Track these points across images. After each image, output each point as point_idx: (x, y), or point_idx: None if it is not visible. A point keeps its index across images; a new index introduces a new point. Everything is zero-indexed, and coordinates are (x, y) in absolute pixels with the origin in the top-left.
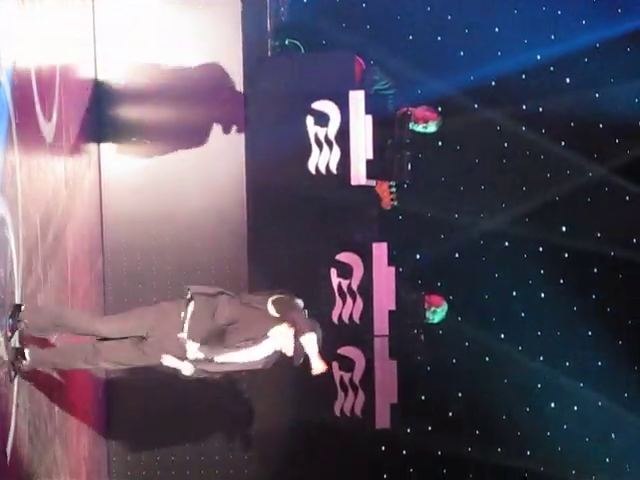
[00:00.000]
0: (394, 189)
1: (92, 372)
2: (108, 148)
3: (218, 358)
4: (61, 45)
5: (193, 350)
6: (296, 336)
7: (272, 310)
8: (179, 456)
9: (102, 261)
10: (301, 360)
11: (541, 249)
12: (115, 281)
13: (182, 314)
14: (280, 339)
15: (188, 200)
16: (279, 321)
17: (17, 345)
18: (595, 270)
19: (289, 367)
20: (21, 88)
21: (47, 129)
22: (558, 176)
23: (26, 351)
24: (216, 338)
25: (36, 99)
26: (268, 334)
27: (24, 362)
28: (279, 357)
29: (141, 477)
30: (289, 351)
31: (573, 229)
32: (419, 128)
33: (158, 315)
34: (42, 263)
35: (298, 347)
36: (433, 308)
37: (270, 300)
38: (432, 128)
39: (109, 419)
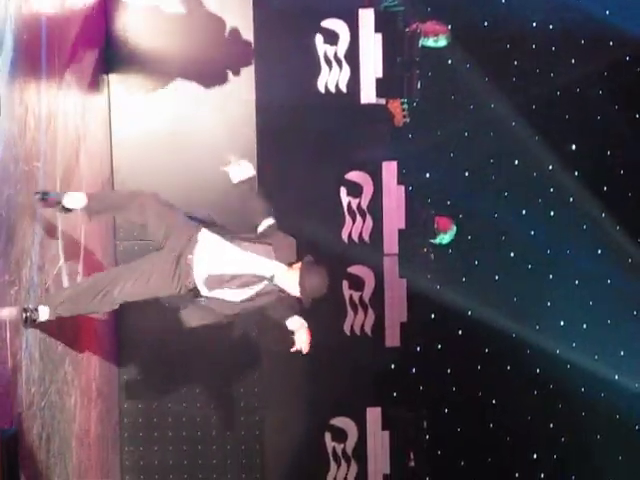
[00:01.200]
0: (406, 106)
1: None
2: (119, 87)
3: (221, 292)
4: None
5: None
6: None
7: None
8: (189, 386)
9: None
10: (310, 301)
11: (551, 167)
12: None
13: (193, 238)
14: (285, 281)
15: (196, 120)
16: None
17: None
18: (605, 188)
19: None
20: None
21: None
22: (568, 94)
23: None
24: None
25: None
26: (273, 274)
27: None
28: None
29: (151, 398)
30: (295, 292)
31: (583, 147)
32: (429, 42)
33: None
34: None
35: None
36: (442, 231)
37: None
38: (442, 42)
39: (119, 340)
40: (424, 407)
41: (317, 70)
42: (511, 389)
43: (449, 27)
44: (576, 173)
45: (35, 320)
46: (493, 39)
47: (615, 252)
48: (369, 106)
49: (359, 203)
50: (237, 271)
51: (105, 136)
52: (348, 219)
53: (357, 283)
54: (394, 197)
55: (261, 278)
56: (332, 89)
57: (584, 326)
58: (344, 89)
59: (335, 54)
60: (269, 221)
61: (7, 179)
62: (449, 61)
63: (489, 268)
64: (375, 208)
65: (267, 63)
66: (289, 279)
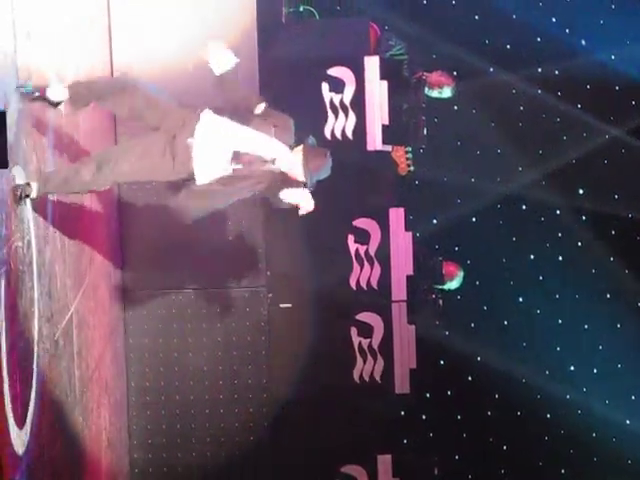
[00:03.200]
0: (410, 154)
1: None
2: None
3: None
4: None
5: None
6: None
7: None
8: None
9: None
10: (314, 183)
11: (558, 212)
12: None
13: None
14: (288, 163)
15: None
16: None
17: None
18: (613, 232)
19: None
20: None
21: None
22: (574, 138)
23: (32, 184)
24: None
25: None
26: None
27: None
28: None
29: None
30: (299, 174)
31: (590, 191)
32: (434, 94)
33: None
34: None
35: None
36: (449, 277)
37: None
38: (447, 93)
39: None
40: (435, 453)
41: (323, 117)
42: (522, 435)
43: (454, 77)
44: (584, 217)
45: (28, 195)
46: (499, 85)
47: (624, 296)
48: (375, 153)
49: (367, 250)
50: (242, 149)
51: None
52: (356, 266)
53: (366, 330)
54: (402, 243)
55: (262, 160)
56: (339, 136)
57: (594, 371)
58: (350, 136)
59: (341, 101)
60: (262, 105)
61: None
62: (455, 107)
63: (498, 313)
64: (383, 255)
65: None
66: (292, 161)
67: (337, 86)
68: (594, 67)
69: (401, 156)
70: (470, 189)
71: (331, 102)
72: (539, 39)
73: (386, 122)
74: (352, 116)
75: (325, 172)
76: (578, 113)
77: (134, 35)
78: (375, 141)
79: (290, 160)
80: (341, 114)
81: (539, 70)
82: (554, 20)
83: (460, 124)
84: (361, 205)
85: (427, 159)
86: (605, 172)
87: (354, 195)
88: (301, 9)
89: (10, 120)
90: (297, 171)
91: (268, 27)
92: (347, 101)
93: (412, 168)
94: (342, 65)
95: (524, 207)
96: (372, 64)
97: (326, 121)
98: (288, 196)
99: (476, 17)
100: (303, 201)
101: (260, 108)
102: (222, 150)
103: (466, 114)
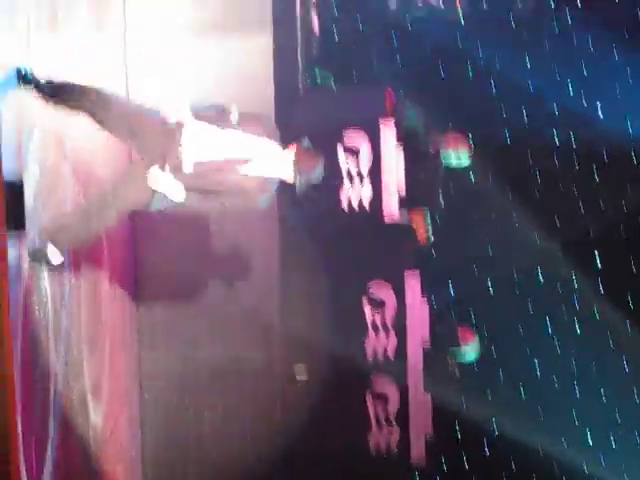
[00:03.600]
0: (429, 224)
1: None
2: None
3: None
4: None
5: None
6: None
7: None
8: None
9: None
10: (304, 186)
11: (576, 285)
12: None
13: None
14: (278, 163)
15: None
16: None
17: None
18: (632, 306)
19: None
20: None
21: None
22: (591, 210)
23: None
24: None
25: None
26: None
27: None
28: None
29: None
30: (289, 174)
31: (608, 263)
32: (452, 159)
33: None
34: None
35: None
36: (464, 344)
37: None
38: (465, 161)
39: None
40: None
41: (340, 185)
42: None
43: (471, 142)
44: (602, 289)
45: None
46: (515, 155)
47: None
48: (392, 220)
49: (383, 318)
50: (229, 155)
51: None
52: (372, 333)
53: (382, 399)
54: (418, 312)
55: (249, 160)
56: (355, 205)
57: (613, 445)
58: (367, 204)
59: (358, 169)
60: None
61: None
62: (471, 177)
63: (515, 385)
64: (399, 323)
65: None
66: (283, 161)
67: (354, 154)
68: (612, 137)
69: (420, 222)
70: (487, 258)
71: (348, 170)
72: (556, 109)
73: (402, 190)
74: (368, 184)
75: (316, 175)
76: (596, 184)
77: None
78: (392, 210)
79: (280, 159)
80: (357, 182)
81: (556, 141)
82: (571, 90)
83: (477, 194)
84: (378, 274)
85: (444, 228)
86: (623, 244)
87: (370, 265)
88: (318, 78)
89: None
90: (287, 171)
91: (285, 95)
92: (364, 169)
93: (432, 238)
94: (358, 132)
95: (541, 279)
96: (389, 131)
97: (342, 189)
98: (156, 182)
99: (492, 89)
100: (172, 190)
101: (235, 117)
102: (209, 155)
103: (482, 184)
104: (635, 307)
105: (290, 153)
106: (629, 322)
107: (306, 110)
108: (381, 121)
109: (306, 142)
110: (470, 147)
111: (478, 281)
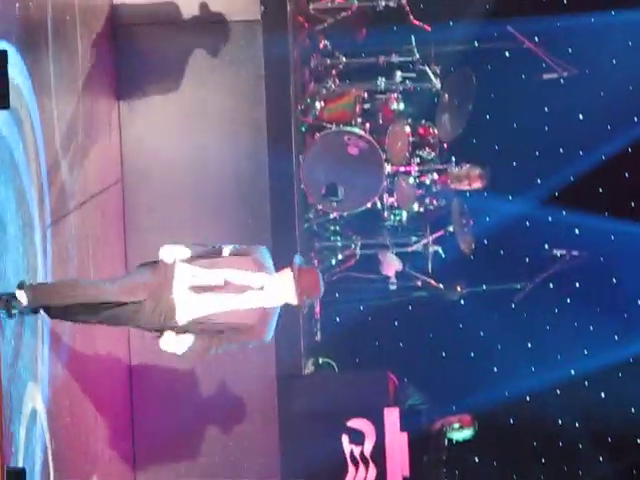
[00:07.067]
0: None
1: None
2: None
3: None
4: None
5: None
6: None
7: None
8: None
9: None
10: (307, 302)
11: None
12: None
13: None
14: (277, 287)
15: None
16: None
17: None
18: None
19: None
20: None
21: None
22: None
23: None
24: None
25: None
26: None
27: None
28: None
29: None
30: (291, 296)
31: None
32: (455, 434)
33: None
34: None
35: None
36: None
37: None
38: (468, 432)
39: None
40: None
41: (344, 470)
42: None
43: (474, 418)
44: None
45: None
46: (520, 437)
47: None
48: None
49: (362, 451)
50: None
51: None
52: (351, 468)
53: None
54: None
55: (248, 289)
56: None
57: None
58: None
59: (362, 453)
60: (229, 247)
61: None
62: (476, 459)
63: None
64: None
65: (293, 461)
66: (282, 284)
67: (357, 438)
68: (614, 419)
69: None
70: None
71: (351, 454)
72: (558, 391)
73: (407, 474)
74: (372, 468)
75: (319, 288)
76: (600, 465)
77: None
78: None
79: (278, 283)
80: (362, 466)
81: (559, 422)
82: (573, 373)
83: (482, 477)
84: None
85: None
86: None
87: None
88: (320, 362)
89: None
90: (288, 293)
91: (288, 378)
92: (367, 453)
93: None
94: (362, 417)
95: None
96: (392, 416)
97: (347, 473)
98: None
99: (495, 369)
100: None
101: (227, 250)
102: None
103: (488, 466)
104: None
105: (287, 274)
106: None
107: (309, 394)
108: (385, 406)
109: (298, 259)
110: (473, 421)
111: None
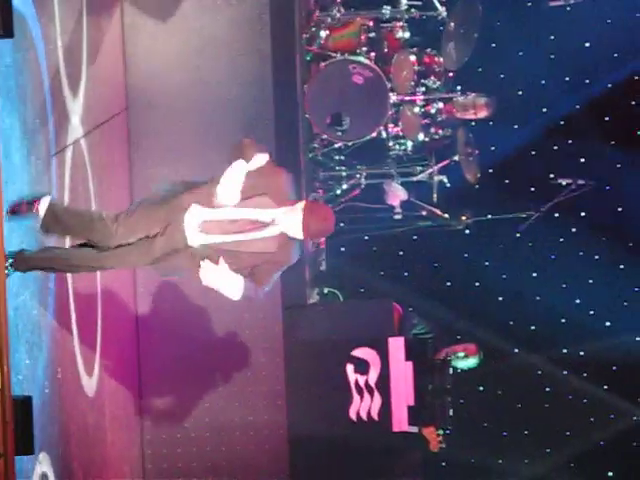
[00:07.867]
0: (441, 432)
1: None
2: None
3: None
4: None
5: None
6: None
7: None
8: None
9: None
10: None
11: None
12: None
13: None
14: (286, 223)
15: None
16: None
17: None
18: None
19: None
20: None
21: None
22: (602, 420)
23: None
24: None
25: None
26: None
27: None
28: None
29: None
30: (298, 233)
31: (620, 475)
32: (460, 362)
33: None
34: None
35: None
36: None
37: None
38: (473, 361)
39: None
40: None
41: (348, 398)
42: None
43: (479, 348)
44: None
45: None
46: (524, 366)
47: None
48: (401, 433)
49: (366, 380)
50: (237, 238)
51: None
52: (356, 397)
53: None
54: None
55: (261, 225)
56: (364, 417)
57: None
58: (376, 417)
59: (366, 382)
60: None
61: None
62: (481, 388)
63: None
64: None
65: (298, 391)
66: (291, 220)
67: (362, 367)
68: (619, 348)
69: (432, 432)
70: (497, 470)
71: (356, 383)
72: (563, 320)
73: (412, 403)
74: (377, 397)
75: (327, 229)
76: (605, 394)
77: None
78: (401, 422)
79: (288, 219)
80: (366, 395)
81: (564, 351)
82: (578, 302)
83: (486, 405)
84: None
85: (453, 440)
86: (635, 454)
87: (381, 474)
88: (325, 291)
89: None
90: (296, 230)
91: (293, 308)
92: (372, 382)
93: (444, 445)
94: (367, 346)
95: None
96: (397, 345)
97: (351, 402)
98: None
99: (502, 298)
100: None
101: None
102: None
103: (491, 395)
104: None
105: (297, 212)
106: None
107: (314, 324)
108: (389, 335)
109: (312, 198)
110: (478, 350)
111: None
